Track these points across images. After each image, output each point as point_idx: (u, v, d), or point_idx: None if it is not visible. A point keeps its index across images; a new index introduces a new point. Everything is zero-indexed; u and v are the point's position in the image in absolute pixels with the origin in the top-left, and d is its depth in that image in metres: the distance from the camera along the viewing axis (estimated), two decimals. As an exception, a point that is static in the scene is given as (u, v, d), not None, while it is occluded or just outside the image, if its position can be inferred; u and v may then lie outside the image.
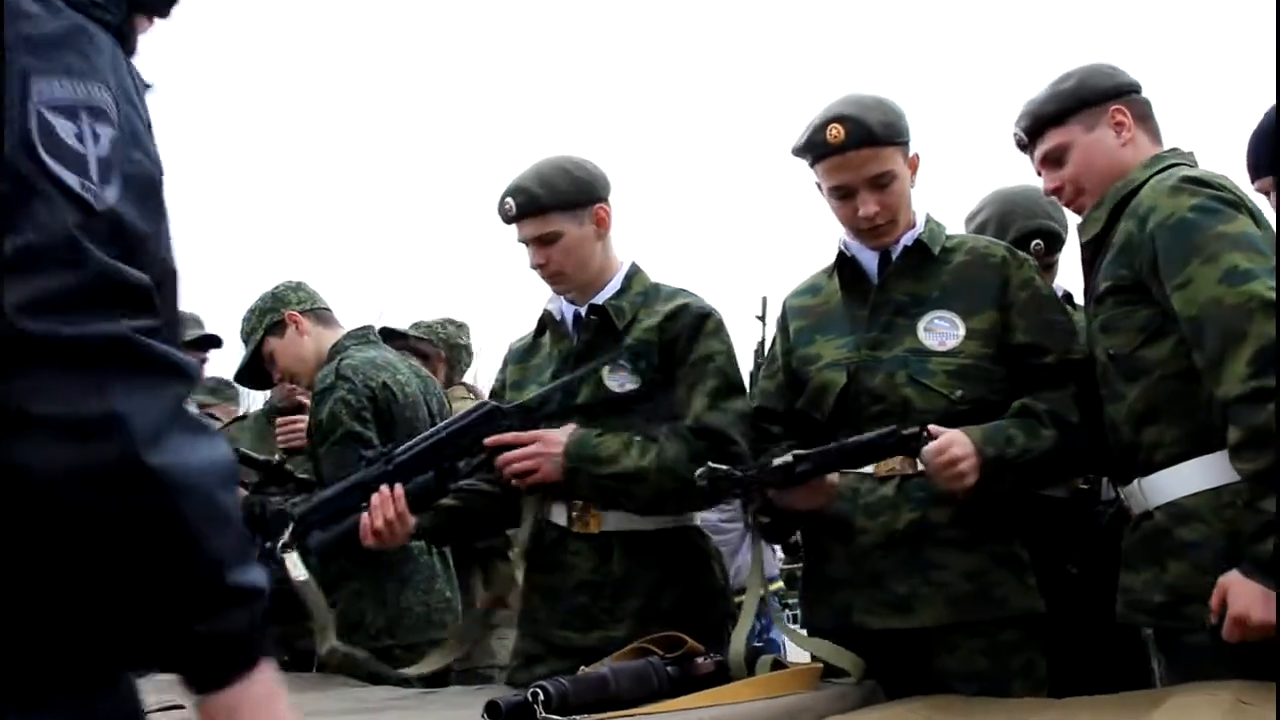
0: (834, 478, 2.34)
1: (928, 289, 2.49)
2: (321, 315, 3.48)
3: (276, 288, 3.50)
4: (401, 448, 2.65)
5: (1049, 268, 3.06)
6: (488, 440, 2.60)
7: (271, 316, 3.44)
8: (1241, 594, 1.97)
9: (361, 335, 3.46)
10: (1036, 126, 2.40)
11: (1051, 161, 2.40)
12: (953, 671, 2.33)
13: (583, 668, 2.15)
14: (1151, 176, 2.25)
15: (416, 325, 4.32)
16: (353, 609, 3.25)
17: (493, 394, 2.91)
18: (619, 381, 2.67)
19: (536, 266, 2.74)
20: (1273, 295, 1.95)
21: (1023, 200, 3.07)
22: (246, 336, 3.49)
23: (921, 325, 2.45)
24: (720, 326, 2.70)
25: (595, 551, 2.63)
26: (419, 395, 3.37)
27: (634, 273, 2.80)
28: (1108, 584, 2.70)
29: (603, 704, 1.97)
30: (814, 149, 2.45)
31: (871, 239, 2.52)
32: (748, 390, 2.73)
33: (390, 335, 4.17)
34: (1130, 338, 2.18)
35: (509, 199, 2.70)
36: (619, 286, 2.77)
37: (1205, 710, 1.70)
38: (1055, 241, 3.08)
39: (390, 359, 3.37)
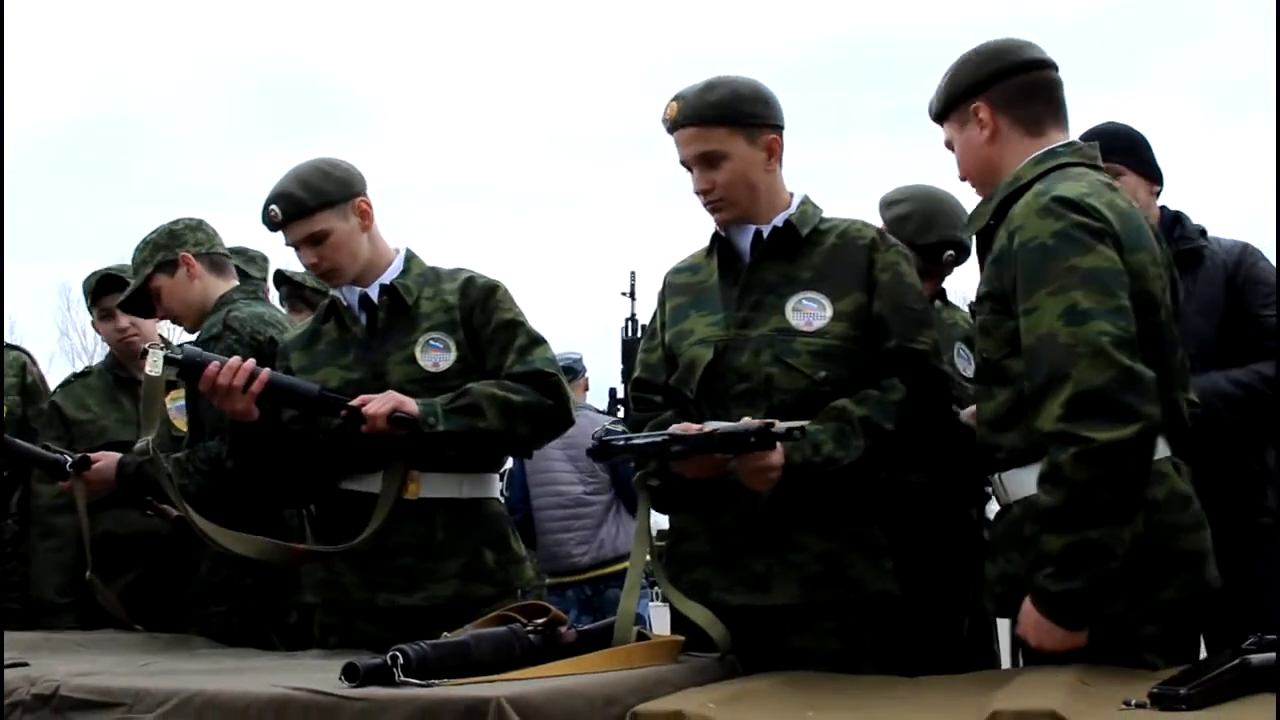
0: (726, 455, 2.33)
1: (798, 270, 2.53)
2: (216, 261, 3.39)
3: (175, 224, 3.39)
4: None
5: (946, 275, 3.12)
6: (353, 403, 2.72)
7: (164, 254, 3.34)
8: (1026, 618, 2.07)
9: (251, 290, 3.39)
10: (934, 118, 2.42)
11: (951, 149, 2.42)
12: (806, 650, 2.38)
13: (445, 634, 2.14)
14: (1040, 177, 2.22)
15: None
16: (220, 567, 3.19)
17: None
18: (432, 360, 2.85)
19: (310, 266, 2.91)
20: (1104, 340, 1.97)
21: (948, 205, 3.07)
22: (137, 268, 3.39)
23: (790, 305, 2.49)
24: (508, 294, 2.94)
25: (417, 517, 2.78)
26: None
27: (411, 256, 2.99)
28: (962, 568, 2.81)
29: (463, 669, 1.96)
30: (664, 124, 2.55)
31: (712, 216, 2.57)
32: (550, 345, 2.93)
33: (284, 280, 4.07)
34: (999, 345, 2.21)
35: (273, 206, 2.85)
36: (401, 268, 2.95)
37: (1047, 690, 1.75)
38: (964, 255, 3.11)
39: (279, 317, 3.30)
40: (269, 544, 2.85)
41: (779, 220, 2.56)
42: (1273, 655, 1.73)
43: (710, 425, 2.32)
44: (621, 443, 2.35)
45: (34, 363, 3.95)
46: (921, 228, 2.99)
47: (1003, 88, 2.31)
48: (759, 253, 2.56)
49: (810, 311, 2.48)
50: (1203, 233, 3.01)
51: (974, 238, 2.44)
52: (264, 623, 3.14)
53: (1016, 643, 2.30)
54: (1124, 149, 2.90)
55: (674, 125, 2.52)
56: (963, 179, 2.43)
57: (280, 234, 2.89)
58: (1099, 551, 1.96)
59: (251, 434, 2.82)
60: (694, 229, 2.84)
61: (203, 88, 34.23)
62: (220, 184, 26.93)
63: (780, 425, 2.23)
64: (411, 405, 2.69)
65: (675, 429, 2.30)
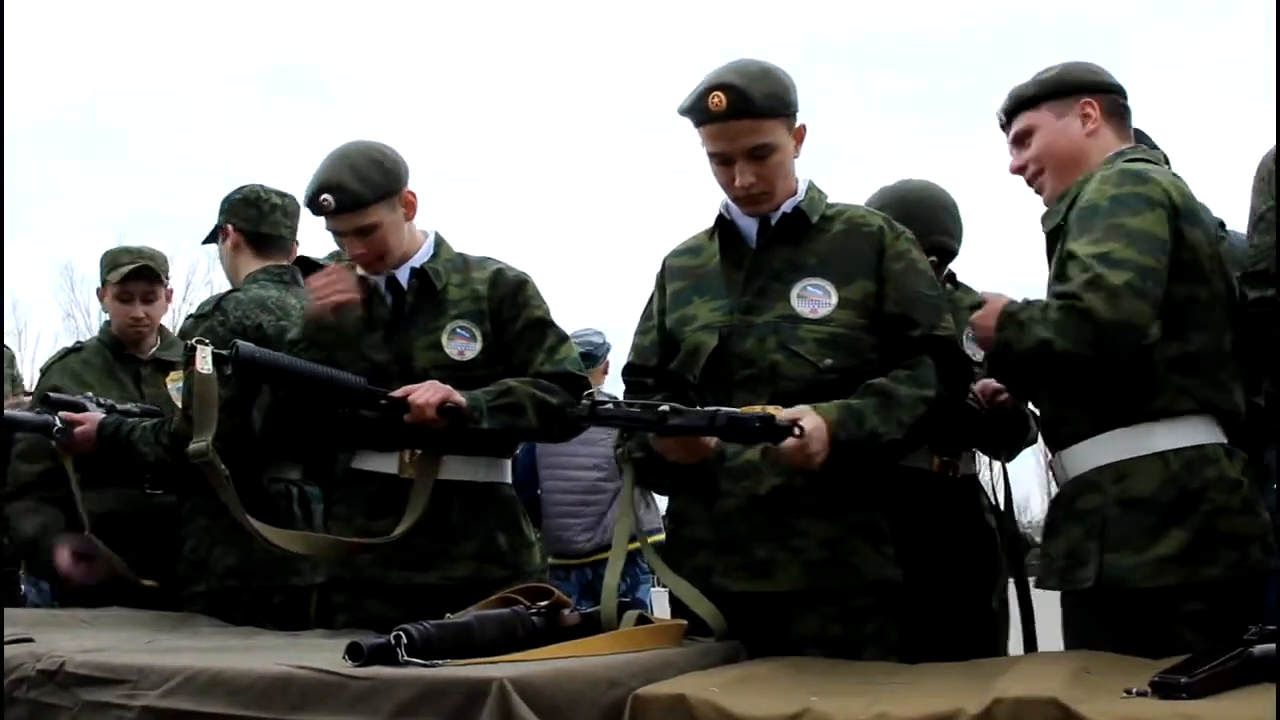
0: (711, 440, 2.36)
1: (804, 257, 2.52)
2: (258, 239, 3.39)
3: (236, 192, 3.42)
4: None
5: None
6: (396, 394, 2.71)
7: (219, 220, 3.43)
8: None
9: (277, 274, 3.36)
10: (1013, 108, 2.50)
11: (1020, 143, 2.49)
12: (807, 635, 2.39)
13: (448, 614, 2.15)
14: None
15: (337, 256, 4.13)
16: (200, 546, 3.21)
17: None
18: (458, 349, 2.84)
19: (355, 256, 2.85)
20: (1120, 283, 2.09)
21: (922, 207, 3.04)
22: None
23: (795, 292, 2.48)
24: (537, 289, 2.96)
25: (433, 498, 2.76)
26: None
27: (440, 241, 2.96)
28: (963, 555, 2.81)
29: (466, 649, 1.97)
30: (695, 114, 2.46)
31: (747, 206, 2.54)
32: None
33: (312, 267, 4.07)
34: None
35: (326, 195, 2.76)
36: (431, 252, 2.92)
37: (1048, 678, 1.75)
38: (948, 256, 3.10)
39: (286, 303, 3.26)
40: (324, 540, 2.84)
41: (788, 206, 2.54)
42: (1274, 646, 1.73)
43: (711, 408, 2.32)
44: (612, 408, 2.31)
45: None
46: None
47: (1109, 97, 2.47)
48: (766, 239, 2.54)
49: (815, 299, 2.47)
50: (1221, 225, 2.99)
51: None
52: (244, 604, 3.14)
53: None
54: None
55: (722, 116, 2.40)
56: (1029, 171, 2.48)
57: (321, 219, 2.83)
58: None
59: (290, 416, 2.81)
60: (700, 211, 2.81)
61: (204, 65, 34.29)
62: (222, 160, 26.95)
63: (782, 418, 2.23)
64: (459, 397, 2.69)
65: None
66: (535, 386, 2.80)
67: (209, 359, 2.61)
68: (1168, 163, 2.49)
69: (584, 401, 2.33)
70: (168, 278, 3.77)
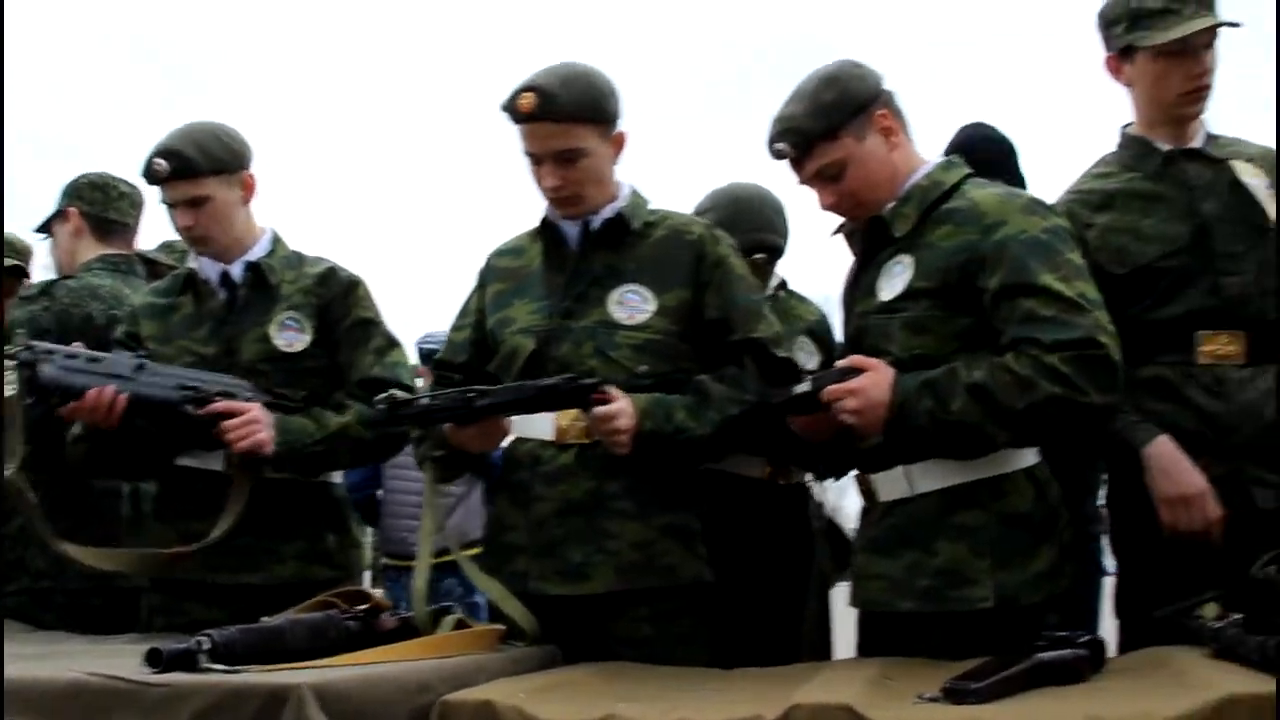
0: (508, 423, 2.41)
1: (624, 262, 2.52)
2: (103, 224, 3.31)
3: (84, 176, 3.34)
4: (165, 368, 2.69)
5: (767, 276, 3.09)
6: (207, 409, 2.64)
7: (63, 203, 3.33)
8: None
9: (114, 263, 3.28)
10: (806, 143, 2.29)
11: (827, 178, 2.31)
12: (620, 637, 2.40)
13: (263, 618, 2.10)
14: (960, 182, 2.28)
15: (167, 247, 3.92)
16: (17, 545, 3.09)
17: (118, 346, 2.83)
18: (287, 340, 2.81)
19: (183, 229, 2.82)
20: (1111, 329, 2.11)
21: (751, 208, 3.07)
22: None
23: (613, 298, 2.49)
24: (369, 292, 2.91)
25: (259, 496, 2.70)
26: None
27: (277, 239, 2.95)
28: (785, 561, 2.85)
29: (274, 655, 1.93)
30: (508, 113, 2.46)
31: (557, 208, 2.54)
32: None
33: (143, 260, 3.96)
34: (943, 343, 2.20)
35: (159, 160, 2.75)
36: (268, 249, 2.90)
37: (847, 685, 1.79)
38: (776, 254, 3.13)
39: (120, 293, 3.17)
40: (140, 555, 2.76)
41: (609, 212, 2.54)
42: (1060, 652, 1.81)
43: (517, 382, 2.37)
44: (426, 403, 2.32)
45: None
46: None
47: (888, 98, 2.34)
48: (588, 243, 2.54)
49: (633, 305, 2.48)
50: None
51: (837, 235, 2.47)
52: (57, 606, 3.05)
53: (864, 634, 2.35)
54: (997, 164, 2.92)
55: (529, 117, 2.41)
56: (846, 205, 2.34)
57: (157, 189, 2.80)
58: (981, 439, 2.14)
59: (108, 437, 2.69)
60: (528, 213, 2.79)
61: (72, 44, 33.12)
62: (80, 138, 26.03)
63: (589, 381, 2.28)
64: (269, 448, 2.64)
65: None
66: (357, 419, 2.75)
67: (14, 380, 2.52)
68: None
69: (381, 406, 2.32)
70: (28, 273, 3.65)
